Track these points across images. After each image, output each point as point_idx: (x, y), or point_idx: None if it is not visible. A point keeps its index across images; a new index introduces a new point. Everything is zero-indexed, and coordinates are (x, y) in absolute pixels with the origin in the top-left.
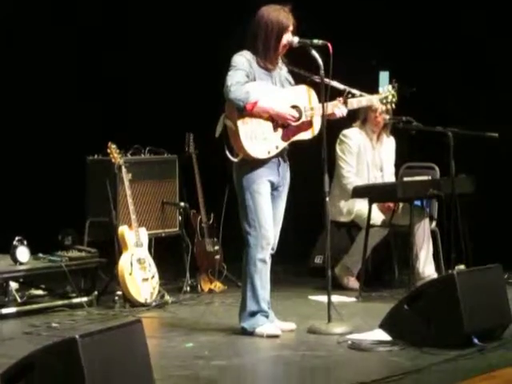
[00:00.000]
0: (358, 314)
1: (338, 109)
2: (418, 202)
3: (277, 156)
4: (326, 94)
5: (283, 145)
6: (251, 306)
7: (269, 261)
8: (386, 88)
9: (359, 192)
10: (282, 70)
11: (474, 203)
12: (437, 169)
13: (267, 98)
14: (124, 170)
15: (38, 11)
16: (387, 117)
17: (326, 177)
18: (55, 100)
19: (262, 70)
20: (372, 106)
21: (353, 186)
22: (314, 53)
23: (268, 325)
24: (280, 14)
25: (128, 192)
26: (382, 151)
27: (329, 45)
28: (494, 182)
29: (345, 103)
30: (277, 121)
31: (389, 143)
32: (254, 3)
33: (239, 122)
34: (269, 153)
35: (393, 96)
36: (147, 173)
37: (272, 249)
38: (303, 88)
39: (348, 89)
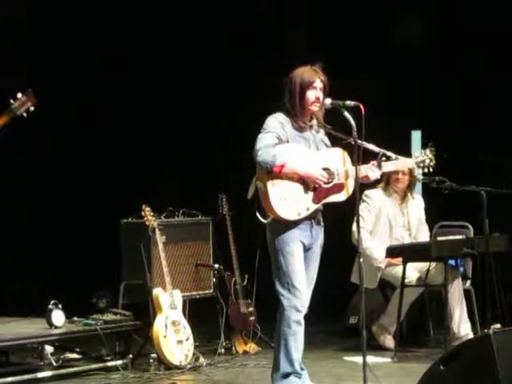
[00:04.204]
0: (394, 375)
1: (371, 171)
2: (452, 261)
3: (309, 218)
4: (359, 156)
5: (314, 207)
6: (285, 367)
7: (303, 322)
8: (423, 151)
9: (393, 251)
10: (318, 133)
11: (509, 261)
12: (470, 227)
13: (296, 160)
14: (158, 232)
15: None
16: (420, 177)
17: (360, 237)
18: (89, 164)
19: (296, 131)
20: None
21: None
22: (347, 114)
23: None
24: (304, 71)
25: (162, 254)
26: (410, 212)
27: (361, 106)
28: None
29: (379, 166)
30: (307, 183)
31: (415, 204)
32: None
33: (269, 184)
34: (299, 214)
35: (430, 160)
36: (181, 235)
37: (305, 309)
38: (338, 151)
39: (383, 152)
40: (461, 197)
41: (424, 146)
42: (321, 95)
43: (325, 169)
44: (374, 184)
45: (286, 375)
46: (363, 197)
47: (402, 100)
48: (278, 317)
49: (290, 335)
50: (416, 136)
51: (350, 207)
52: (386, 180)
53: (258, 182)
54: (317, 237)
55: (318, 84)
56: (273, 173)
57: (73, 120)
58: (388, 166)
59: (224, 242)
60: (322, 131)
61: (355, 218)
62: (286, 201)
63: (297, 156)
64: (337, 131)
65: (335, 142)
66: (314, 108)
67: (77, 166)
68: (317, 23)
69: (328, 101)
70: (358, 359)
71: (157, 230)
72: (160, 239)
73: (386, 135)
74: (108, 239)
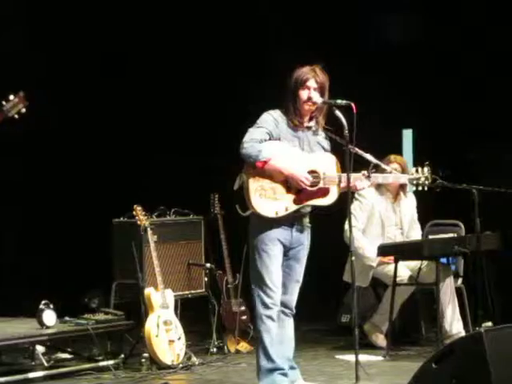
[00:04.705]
0: (386, 373)
1: (360, 181)
2: (443, 260)
3: (291, 220)
4: (351, 159)
5: (294, 207)
6: (264, 364)
7: (286, 318)
8: (420, 170)
9: (385, 250)
10: (316, 135)
11: (500, 259)
12: (462, 226)
13: (282, 159)
14: (150, 231)
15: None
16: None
17: (352, 236)
18: (79, 164)
19: (291, 130)
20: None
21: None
22: (338, 113)
23: None
24: (301, 70)
25: (154, 254)
26: (402, 210)
27: (352, 105)
28: None
29: (368, 177)
30: (291, 183)
31: (408, 202)
32: None
33: (251, 178)
34: (276, 213)
35: (426, 178)
36: (173, 234)
37: (290, 309)
38: (330, 156)
39: (378, 163)
40: (453, 195)
41: (421, 164)
42: (314, 95)
43: (311, 171)
44: None
45: (269, 372)
46: (356, 195)
47: (396, 99)
48: (253, 314)
49: (264, 331)
50: (407, 134)
51: (343, 206)
52: None
53: (243, 175)
54: (298, 239)
55: (312, 84)
56: (256, 168)
57: (67, 119)
58: (378, 179)
59: (216, 242)
60: (321, 134)
61: (347, 217)
62: (266, 197)
63: (284, 154)
64: (336, 136)
65: (337, 147)
66: (306, 107)
67: (69, 166)
68: (315, 23)
69: (320, 99)
70: (351, 357)
71: (148, 229)
72: (152, 238)
73: (378, 134)
74: (100, 239)
